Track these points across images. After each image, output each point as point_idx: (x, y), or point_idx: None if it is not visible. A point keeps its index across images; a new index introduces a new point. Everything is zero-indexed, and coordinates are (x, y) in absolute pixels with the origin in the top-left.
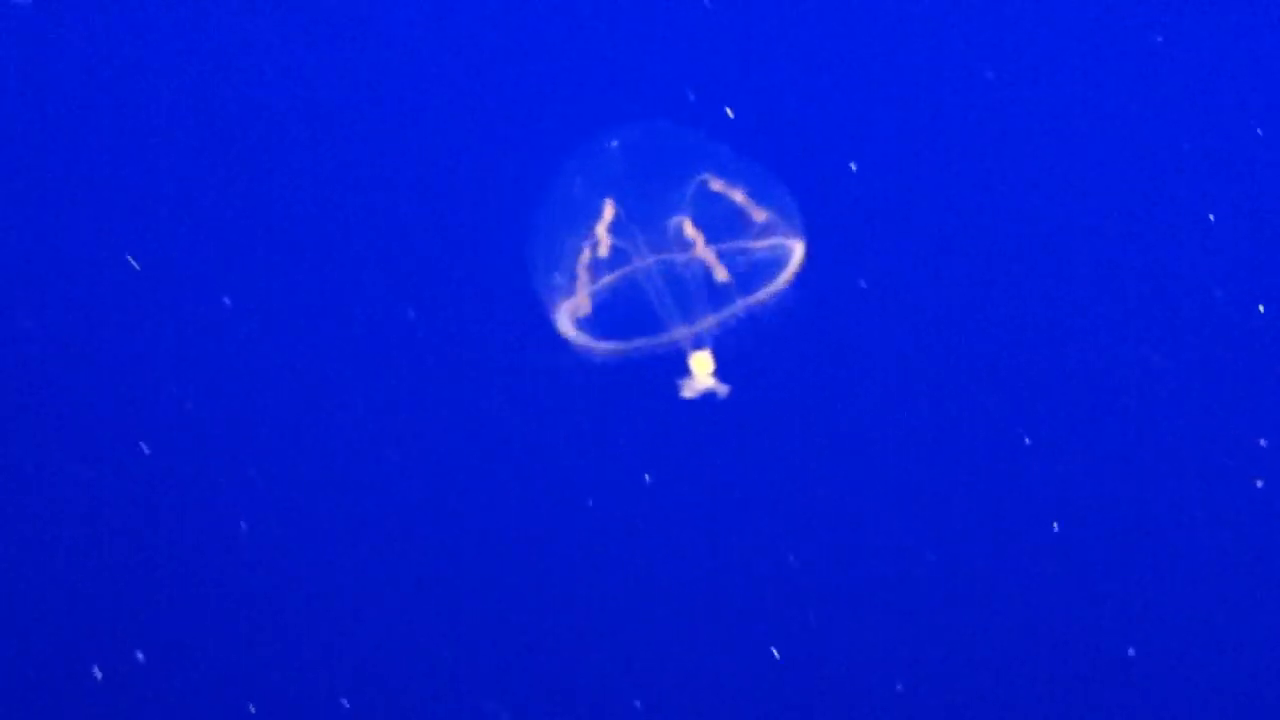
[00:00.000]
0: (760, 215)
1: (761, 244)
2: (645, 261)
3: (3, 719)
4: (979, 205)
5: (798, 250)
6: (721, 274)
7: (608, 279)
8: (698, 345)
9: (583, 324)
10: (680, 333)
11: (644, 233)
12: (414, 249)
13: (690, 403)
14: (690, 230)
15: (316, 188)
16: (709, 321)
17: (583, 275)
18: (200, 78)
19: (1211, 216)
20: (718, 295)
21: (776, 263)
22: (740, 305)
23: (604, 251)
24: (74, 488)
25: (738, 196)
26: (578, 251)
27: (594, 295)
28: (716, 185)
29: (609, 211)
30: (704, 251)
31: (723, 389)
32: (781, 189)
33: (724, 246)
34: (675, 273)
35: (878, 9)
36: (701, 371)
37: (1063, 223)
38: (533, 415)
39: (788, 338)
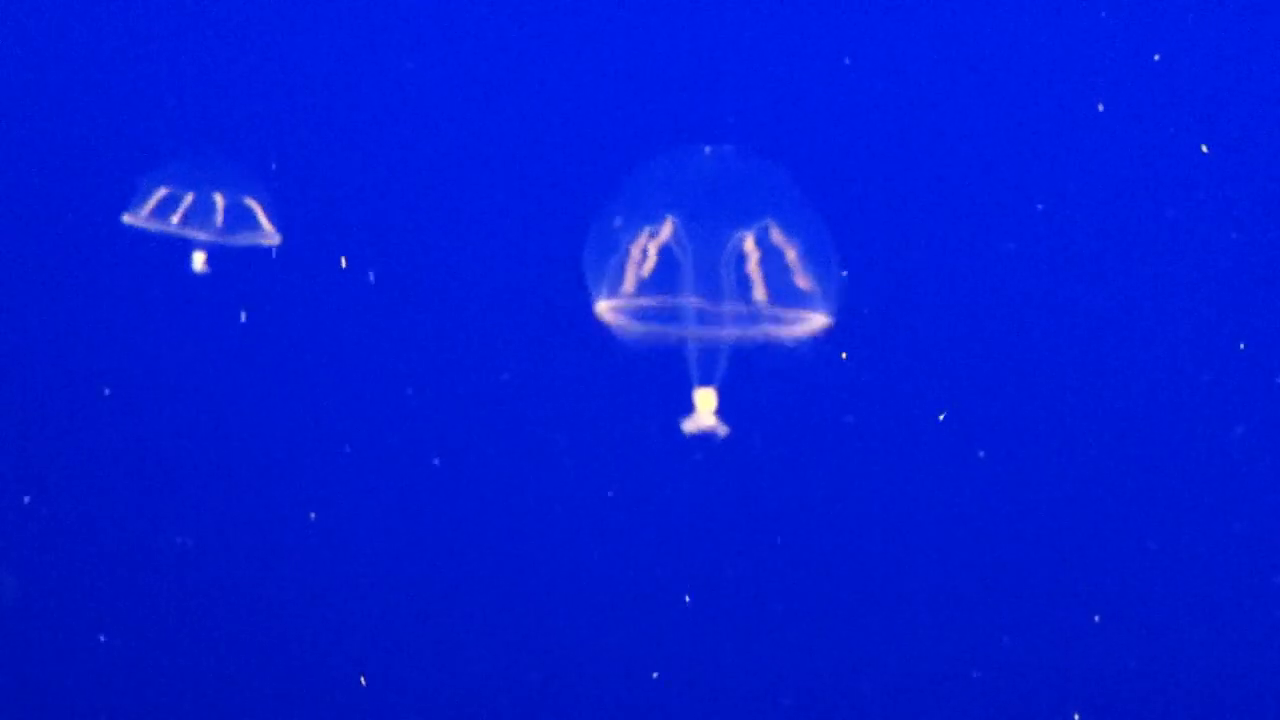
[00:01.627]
0: (803, 281)
1: (792, 312)
2: (689, 280)
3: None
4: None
5: (821, 321)
6: (761, 294)
7: (651, 300)
8: (705, 382)
9: (622, 312)
10: (700, 333)
11: (695, 250)
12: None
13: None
14: (750, 246)
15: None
16: (731, 335)
17: (631, 272)
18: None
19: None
20: (746, 320)
21: (801, 321)
22: (762, 334)
23: (650, 264)
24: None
25: (790, 254)
26: (629, 252)
27: (638, 295)
28: (776, 235)
29: (669, 226)
30: (754, 268)
31: (722, 429)
32: (832, 259)
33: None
34: (712, 291)
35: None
36: (705, 409)
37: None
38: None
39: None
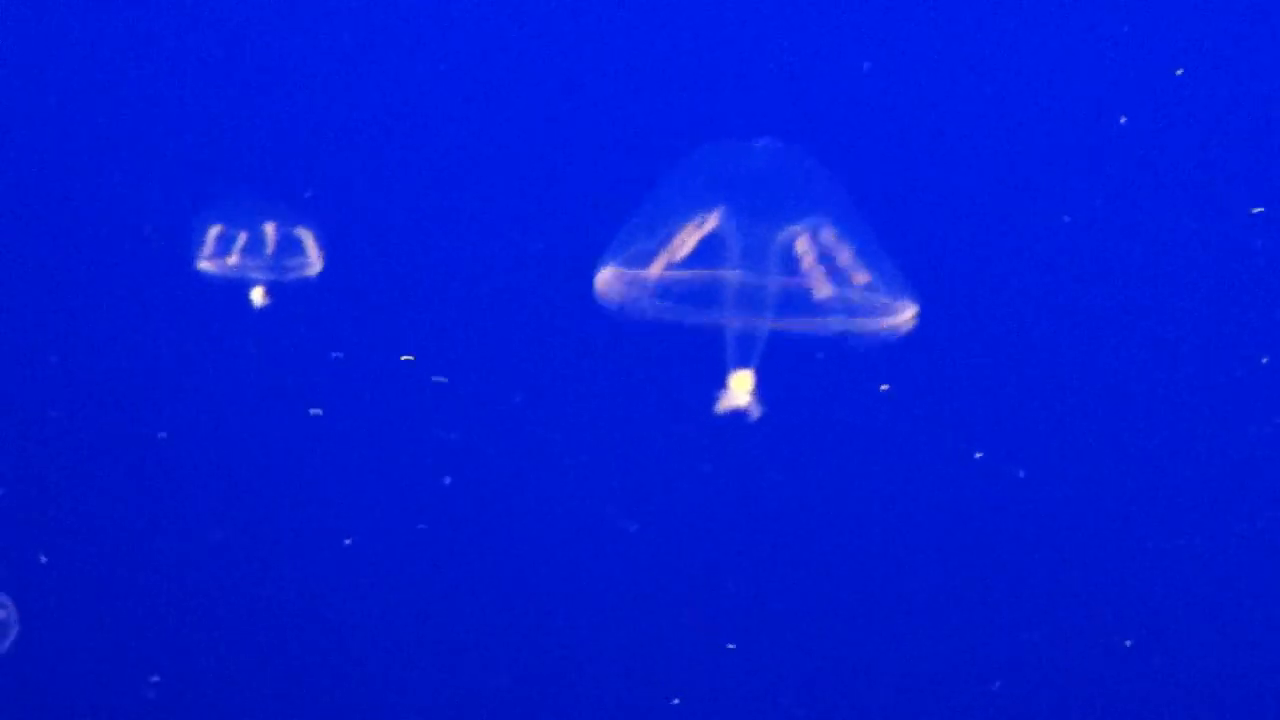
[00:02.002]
0: (861, 278)
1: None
2: (733, 272)
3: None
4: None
5: (906, 314)
6: (824, 290)
7: (689, 273)
8: (744, 362)
9: (652, 291)
10: (738, 325)
11: (742, 244)
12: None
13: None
14: (803, 247)
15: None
16: (767, 325)
17: (666, 256)
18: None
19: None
20: (787, 308)
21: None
22: (805, 325)
23: (687, 249)
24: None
25: (844, 254)
26: (670, 237)
27: (672, 278)
28: (828, 235)
29: (714, 218)
30: (811, 265)
31: (756, 411)
32: (887, 256)
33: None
34: (757, 283)
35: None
36: (740, 389)
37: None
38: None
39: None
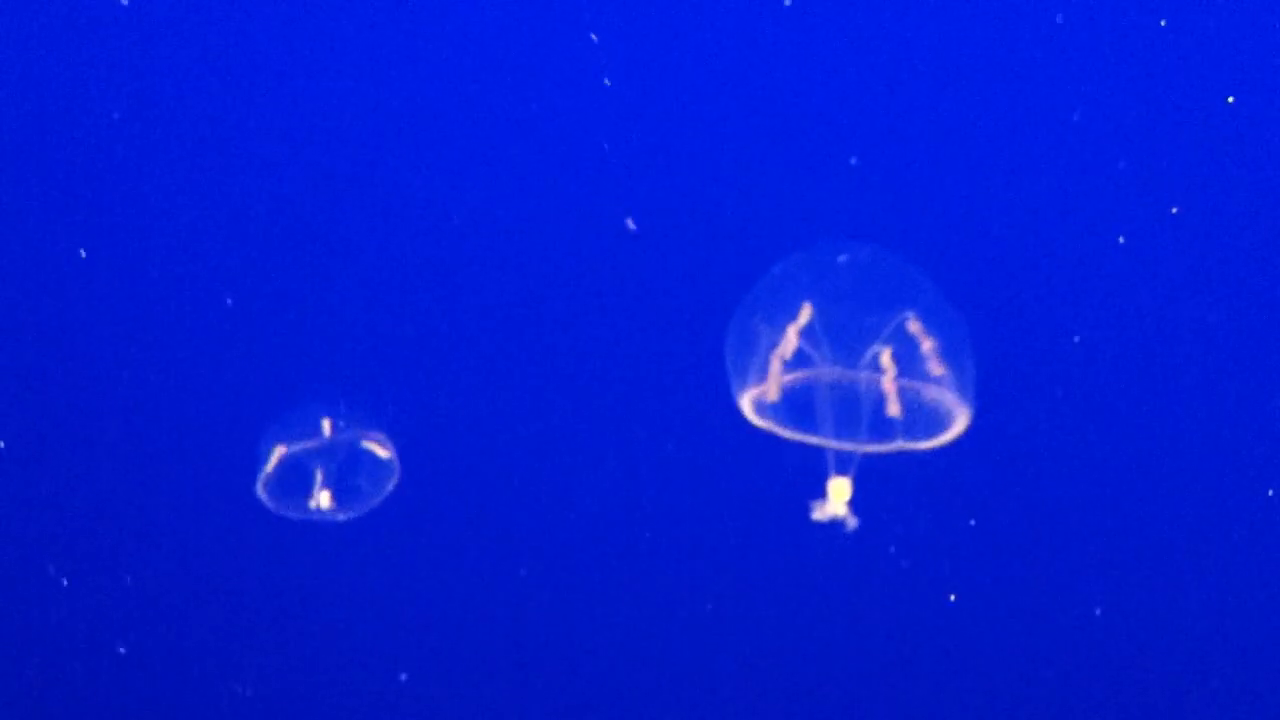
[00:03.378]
0: (938, 370)
1: (929, 394)
2: (828, 372)
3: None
4: None
5: (960, 419)
6: (895, 409)
7: (790, 377)
8: (842, 471)
9: (763, 409)
10: (834, 445)
11: (832, 347)
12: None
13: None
14: (886, 361)
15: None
16: (864, 448)
17: (774, 366)
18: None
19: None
20: (882, 428)
21: (938, 421)
22: (898, 446)
23: (789, 351)
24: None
25: (927, 345)
26: (771, 344)
27: (780, 386)
28: (914, 327)
29: (805, 315)
30: (890, 383)
31: (852, 521)
32: (969, 354)
33: (899, 383)
34: (851, 391)
35: None
36: (837, 498)
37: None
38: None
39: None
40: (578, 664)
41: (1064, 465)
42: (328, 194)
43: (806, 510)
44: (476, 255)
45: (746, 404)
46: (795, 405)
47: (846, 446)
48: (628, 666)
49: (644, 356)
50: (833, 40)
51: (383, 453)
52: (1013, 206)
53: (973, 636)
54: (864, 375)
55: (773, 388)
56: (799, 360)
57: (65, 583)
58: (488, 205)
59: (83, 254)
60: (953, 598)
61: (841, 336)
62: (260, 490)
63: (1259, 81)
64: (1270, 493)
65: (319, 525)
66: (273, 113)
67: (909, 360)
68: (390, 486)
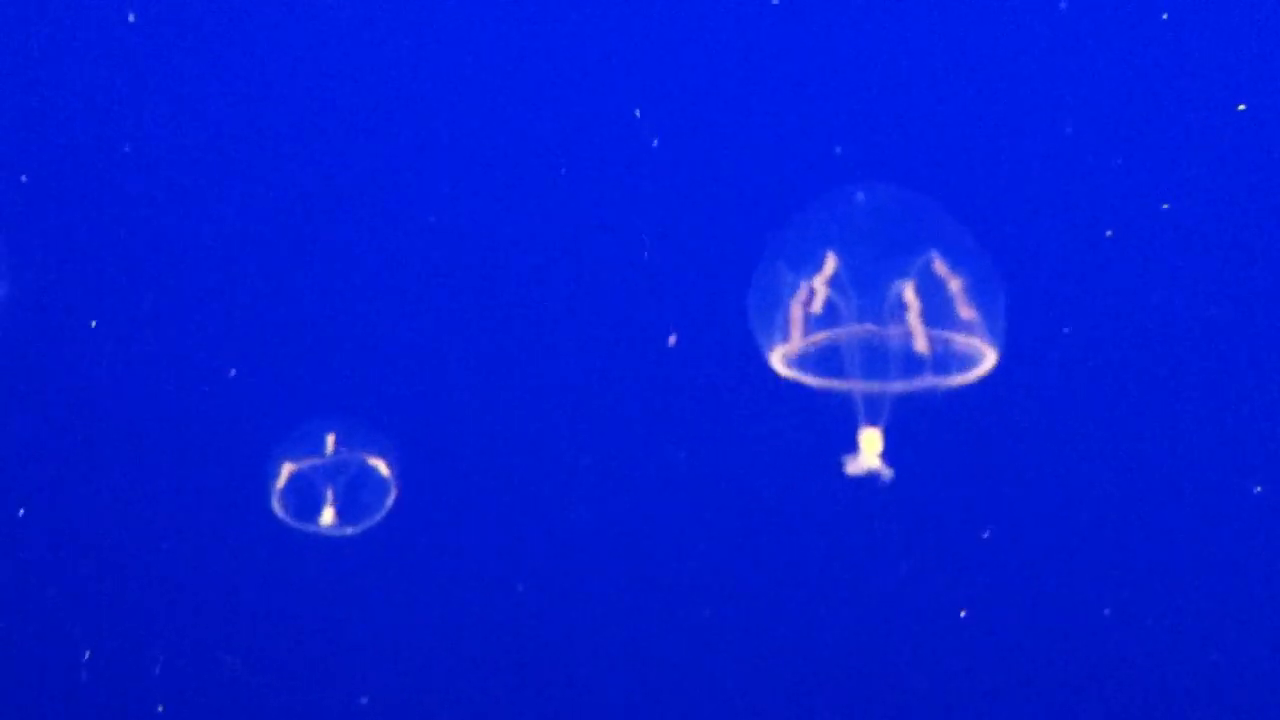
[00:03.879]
0: (967, 312)
1: (959, 338)
2: (856, 328)
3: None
4: None
5: (989, 357)
6: (922, 345)
7: (817, 337)
8: (872, 421)
9: (792, 361)
10: (863, 389)
11: (858, 293)
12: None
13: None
14: (910, 296)
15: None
16: (895, 389)
17: (797, 319)
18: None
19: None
20: (911, 368)
21: (968, 360)
22: (929, 384)
23: (819, 305)
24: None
25: (954, 285)
26: (795, 297)
27: (807, 342)
28: (940, 268)
29: (830, 265)
30: (914, 319)
31: (887, 472)
32: (998, 291)
33: (930, 331)
34: (879, 337)
35: None
36: (870, 450)
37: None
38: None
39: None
40: (581, 675)
41: (1092, 408)
42: (332, 210)
43: (840, 466)
44: (472, 261)
45: (776, 359)
46: (823, 353)
47: (875, 388)
48: (640, 679)
49: (660, 359)
50: None
51: (385, 469)
52: (1026, 137)
53: (1010, 583)
54: (892, 326)
55: (796, 337)
56: (826, 309)
57: (55, 597)
58: (484, 213)
59: (86, 266)
60: (986, 534)
61: (866, 281)
62: (276, 506)
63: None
64: None
65: (322, 540)
66: (281, 132)
67: (936, 302)
68: (391, 502)
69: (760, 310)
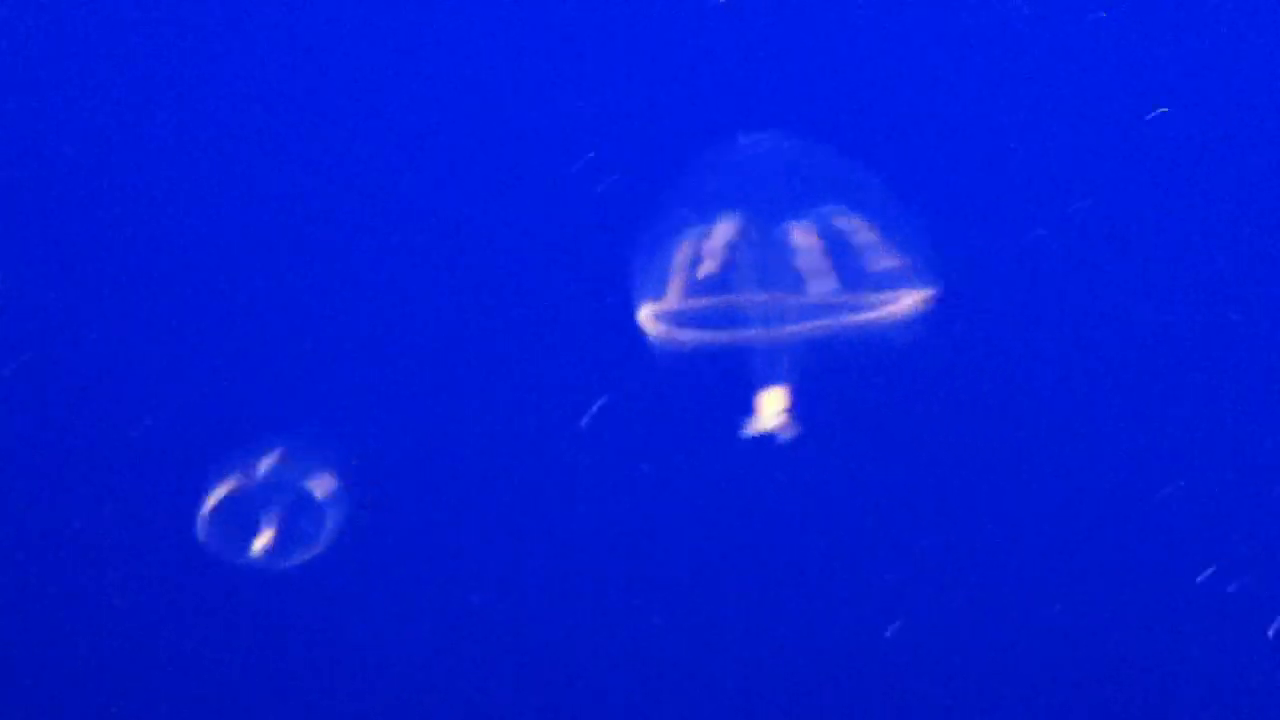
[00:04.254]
0: (889, 261)
1: (881, 294)
2: (751, 281)
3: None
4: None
5: (918, 298)
6: (824, 285)
7: (711, 300)
8: (772, 380)
9: (669, 317)
10: (762, 333)
11: (757, 243)
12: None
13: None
14: (807, 239)
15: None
16: (796, 330)
17: (682, 276)
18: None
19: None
20: (811, 311)
21: (880, 302)
22: (830, 324)
23: (713, 263)
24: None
25: (865, 235)
26: (685, 252)
27: (692, 298)
28: (843, 221)
29: (728, 223)
30: (813, 258)
31: (788, 432)
32: (918, 233)
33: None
34: (777, 284)
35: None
36: (770, 410)
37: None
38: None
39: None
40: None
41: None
42: (291, 228)
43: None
44: (415, 275)
45: (666, 312)
46: (720, 309)
47: (777, 338)
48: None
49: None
50: None
51: (327, 494)
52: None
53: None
54: (791, 274)
55: (686, 292)
56: (724, 262)
57: None
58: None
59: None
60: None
61: (763, 228)
62: (202, 531)
63: None
64: None
65: (260, 569)
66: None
67: (843, 251)
68: (335, 529)
69: (650, 265)
